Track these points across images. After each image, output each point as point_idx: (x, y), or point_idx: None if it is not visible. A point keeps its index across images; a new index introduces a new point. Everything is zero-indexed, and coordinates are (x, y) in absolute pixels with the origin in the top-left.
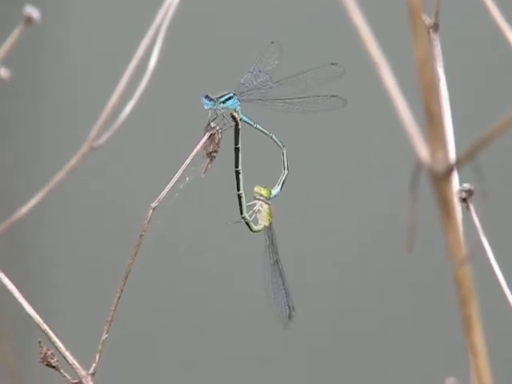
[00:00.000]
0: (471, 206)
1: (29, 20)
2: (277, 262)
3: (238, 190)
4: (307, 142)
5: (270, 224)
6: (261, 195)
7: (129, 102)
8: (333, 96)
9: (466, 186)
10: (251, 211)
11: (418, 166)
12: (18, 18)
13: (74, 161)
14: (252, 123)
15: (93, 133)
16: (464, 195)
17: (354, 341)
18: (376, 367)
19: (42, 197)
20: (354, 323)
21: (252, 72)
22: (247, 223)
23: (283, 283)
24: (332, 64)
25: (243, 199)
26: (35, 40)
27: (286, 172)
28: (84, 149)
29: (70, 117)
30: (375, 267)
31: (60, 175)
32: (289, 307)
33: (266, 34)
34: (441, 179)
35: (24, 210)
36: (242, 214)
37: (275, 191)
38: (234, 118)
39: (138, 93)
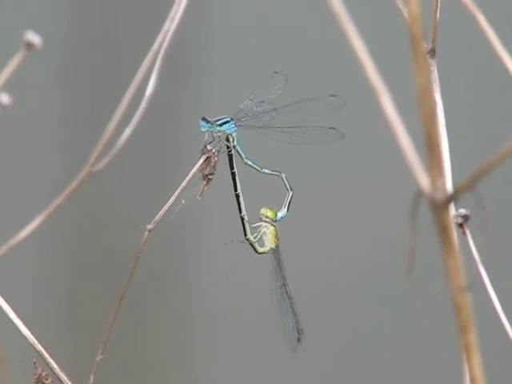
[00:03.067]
0: (467, 232)
1: (30, 46)
2: (284, 284)
3: (240, 212)
4: (307, 172)
5: (277, 246)
6: (267, 217)
7: (127, 127)
8: (331, 128)
9: (462, 211)
10: (256, 233)
11: (419, 194)
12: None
13: (72, 185)
14: (243, 156)
15: (91, 158)
16: (460, 220)
17: (352, 360)
18: (371, 381)
19: (41, 221)
20: (353, 348)
21: (252, 100)
22: (252, 245)
23: (291, 305)
24: (332, 96)
25: (246, 221)
26: None
27: (291, 193)
28: (82, 174)
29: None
30: (375, 292)
31: (59, 200)
32: (297, 330)
33: (271, 63)
34: (440, 208)
35: (22, 234)
36: (245, 235)
37: (282, 213)
38: (227, 141)
39: (135, 118)
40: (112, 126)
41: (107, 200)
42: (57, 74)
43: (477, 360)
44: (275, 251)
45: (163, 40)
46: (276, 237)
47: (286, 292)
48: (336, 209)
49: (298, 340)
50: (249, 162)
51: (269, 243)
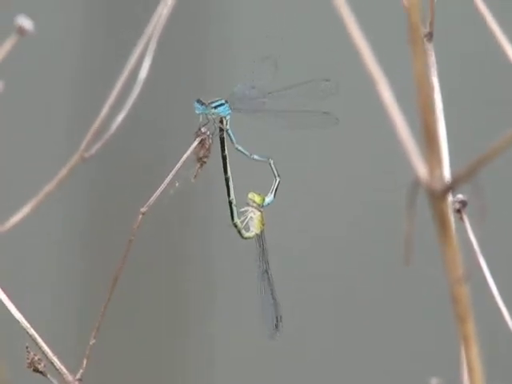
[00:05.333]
0: (465, 217)
1: (21, 31)
2: (266, 271)
3: (229, 196)
4: (302, 159)
5: (262, 232)
6: (254, 202)
7: (120, 112)
8: (325, 113)
9: (460, 196)
10: (243, 217)
11: (416, 183)
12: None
13: (64, 171)
14: (234, 141)
15: (83, 144)
16: (458, 206)
17: (348, 345)
18: (363, 366)
19: (31, 209)
20: (349, 334)
21: (245, 84)
22: (238, 229)
23: (271, 293)
24: (325, 80)
25: (234, 205)
26: None
27: (278, 179)
28: (74, 159)
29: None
30: (373, 279)
31: (50, 186)
32: (276, 318)
33: (265, 47)
34: (438, 197)
35: (13, 220)
36: (232, 220)
37: (268, 199)
38: (221, 123)
39: (128, 103)
40: (105, 110)
41: (101, 185)
42: (47, 62)
43: (474, 351)
44: (259, 237)
45: (156, 23)
46: (261, 222)
47: (268, 279)
48: (329, 197)
49: (276, 327)
50: (239, 148)
51: (254, 228)
